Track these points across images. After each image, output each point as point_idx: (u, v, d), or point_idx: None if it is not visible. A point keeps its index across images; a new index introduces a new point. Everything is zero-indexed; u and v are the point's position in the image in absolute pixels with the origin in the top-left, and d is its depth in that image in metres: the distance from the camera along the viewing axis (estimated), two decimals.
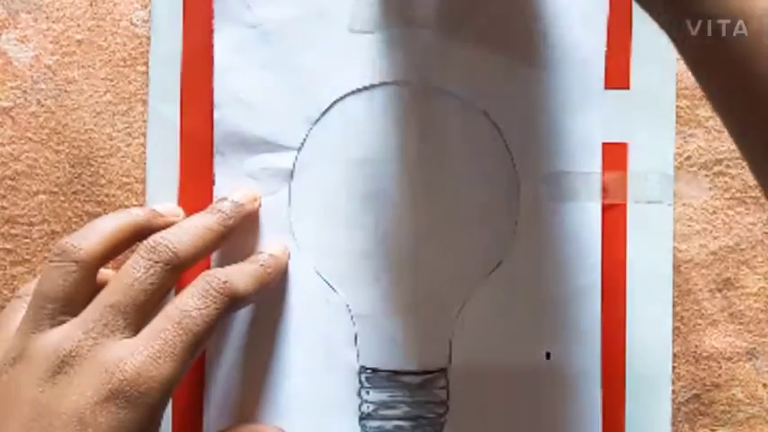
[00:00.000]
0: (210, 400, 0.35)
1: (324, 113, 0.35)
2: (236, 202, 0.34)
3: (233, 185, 0.35)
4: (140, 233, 0.32)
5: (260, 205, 0.35)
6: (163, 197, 0.35)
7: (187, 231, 0.32)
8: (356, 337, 0.35)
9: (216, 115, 0.35)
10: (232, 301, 0.30)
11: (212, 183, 0.35)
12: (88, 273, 0.30)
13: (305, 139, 0.35)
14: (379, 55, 0.35)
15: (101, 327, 0.29)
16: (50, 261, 0.30)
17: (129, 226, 0.32)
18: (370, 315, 0.35)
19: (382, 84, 0.35)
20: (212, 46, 0.35)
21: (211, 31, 0.35)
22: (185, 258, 0.31)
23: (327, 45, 0.35)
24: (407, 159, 0.35)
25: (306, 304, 0.35)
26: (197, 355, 0.30)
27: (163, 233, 0.31)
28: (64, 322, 0.30)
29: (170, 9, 0.35)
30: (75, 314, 0.30)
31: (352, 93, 0.35)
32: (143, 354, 0.28)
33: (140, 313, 0.30)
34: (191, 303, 0.30)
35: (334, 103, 0.35)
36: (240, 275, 0.31)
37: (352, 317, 0.35)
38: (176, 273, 0.31)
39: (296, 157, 0.35)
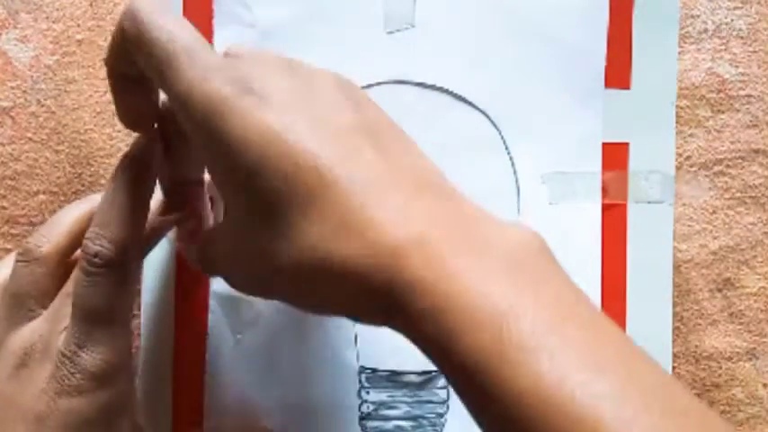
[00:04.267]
0: (210, 399, 0.35)
1: None
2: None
3: None
4: None
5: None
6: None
7: (53, 229, 0.30)
8: (356, 338, 0.35)
9: None
10: (116, 266, 0.28)
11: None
12: (54, 268, 0.30)
13: None
14: (379, 54, 0.35)
15: (61, 317, 0.29)
16: (17, 261, 0.30)
17: (90, 214, 0.31)
18: None
19: (382, 83, 0.35)
20: (212, 46, 0.35)
21: (211, 31, 0.35)
22: (51, 252, 0.30)
23: (326, 45, 0.35)
24: None
25: None
26: (123, 330, 0.29)
27: (33, 234, 0.30)
28: (36, 317, 0.30)
29: (170, 9, 0.35)
30: (46, 308, 0.30)
31: None
32: (75, 346, 0.28)
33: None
34: (80, 286, 0.28)
35: None
36: (107, 231, 0.29)
37: None
38: (49, 260, 0.30)
39: None
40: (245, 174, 0.25)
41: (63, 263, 0.31)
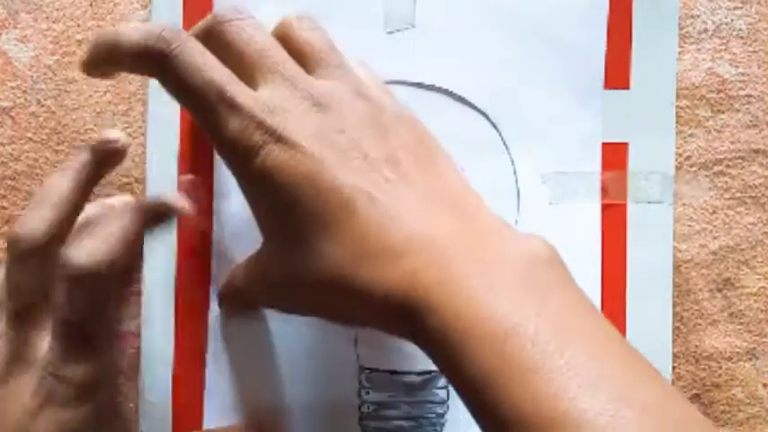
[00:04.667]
0: (210, 400, 0.35)
1: None
2: (84, 148, 0.31)
3: (233, 185, 0.35)
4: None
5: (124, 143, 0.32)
6: None
7: (41, 209, 0.30)
8: (356, 338, 0.35)
9: None
10: (88, 280, 0.29)
11: (212, 183, 0.35)
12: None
13: None
14: (379, 54, 0.35)
15: (15, 333, 0.30)
16: None
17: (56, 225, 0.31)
18: None
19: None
20: None
21: None
22: (48, 236, 0.30)
23: None
24: None
25: None
26: (103, 344, 0.30)
27: (21, 219, 0.30)
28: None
29: (170, 9, 0.35)
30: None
31: None
32: (57, 356, 0.29)
33: (41, 304, 0.30)
34: (59, 299, 0.29)
35: None
36: (88, 245, 0.29)
37: None
38: (46, 249, 0.30)
39: None
40: (279, 210, 0.28)
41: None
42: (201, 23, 0.30)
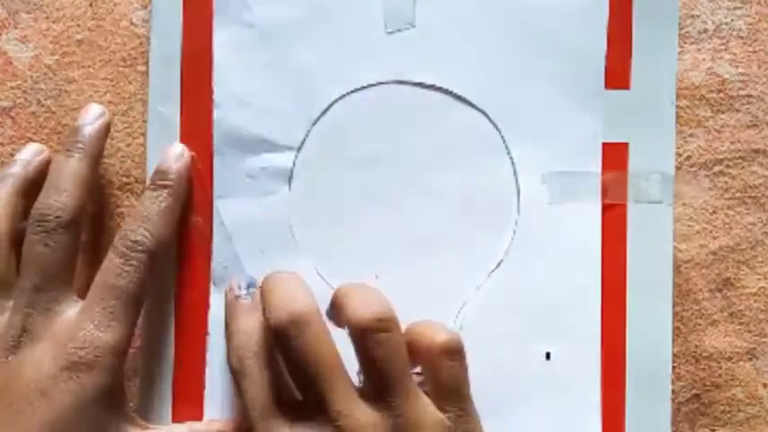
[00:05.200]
0: (211, 397, 0.35)
1: (324, 113, 0.35)
2: (79, 128, 0.34)
3: (233, 185, 0.35)
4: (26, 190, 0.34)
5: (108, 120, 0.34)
6: None
7: (61, 187, 0.32)
8: None
9: (216, 115, 0.35)
10: (151, 253, 0.32)
11: (212, 183, 0.35)
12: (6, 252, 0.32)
13: (305, 139, 0.35)
14: (379, 54, 0.35)
15: (31, 308, 0.31)
16: None
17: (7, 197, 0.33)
18: None
19: (382, 83, 0.35)
20: (212, 46, 0.35)
21: (211, 31, 0.35)
22: (75, 211, 0.32)
23: (327, 44, 0.35)
24: (407, 159, 0.35)
25: None
26: (139, 312, 0.32)
27: (42, 198, 0.32)
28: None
29: (170, 9, 0.35)
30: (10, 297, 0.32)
31: (352, 92, 0.35)
32: (89, 323, 0.31)
33: (63, 279, 0.32)
34: (116, 269, 0.31)
35: (334, 102, 0.35)
36: (149, 225, 0.32)
37: None
38: (74, 226, 0.32)
39: (296, 157, 0.35)
40: None
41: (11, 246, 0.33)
42: (349, 320, 0.30)
